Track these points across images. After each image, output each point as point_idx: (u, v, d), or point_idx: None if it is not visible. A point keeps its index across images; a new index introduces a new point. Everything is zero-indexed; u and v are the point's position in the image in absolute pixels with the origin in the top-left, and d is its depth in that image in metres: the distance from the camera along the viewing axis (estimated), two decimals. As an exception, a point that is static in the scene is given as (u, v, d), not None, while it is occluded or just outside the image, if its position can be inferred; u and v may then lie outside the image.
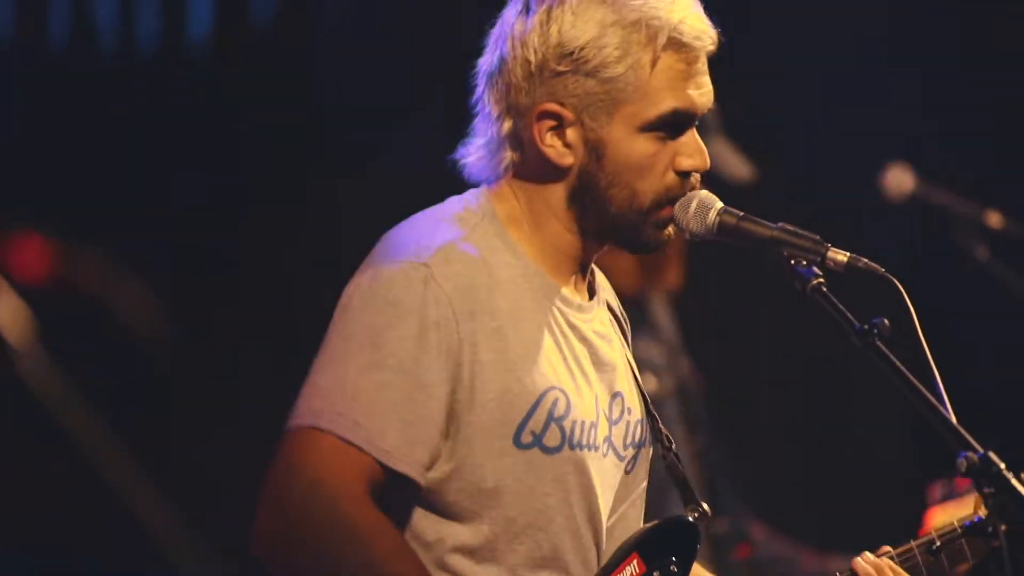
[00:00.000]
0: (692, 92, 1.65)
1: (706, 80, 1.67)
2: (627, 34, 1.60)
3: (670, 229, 1.69)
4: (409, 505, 1.57)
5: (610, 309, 1.82)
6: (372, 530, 1.48)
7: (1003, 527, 1.49)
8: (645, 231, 1.67)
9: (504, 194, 1.69)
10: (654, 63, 1.61)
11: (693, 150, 1.67)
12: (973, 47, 4.51)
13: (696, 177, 1.68)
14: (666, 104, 1.62)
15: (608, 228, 1.68)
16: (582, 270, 1.73)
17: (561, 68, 1.61)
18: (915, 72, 4.53)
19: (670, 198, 1.67)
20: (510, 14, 1.67)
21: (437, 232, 1.62)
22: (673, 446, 1.83)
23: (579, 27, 1.60)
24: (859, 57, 4.53)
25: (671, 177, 1.66)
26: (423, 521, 1.57)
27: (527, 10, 1.64)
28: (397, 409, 1.51)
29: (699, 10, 1.66)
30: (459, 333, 1.55)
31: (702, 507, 1.79)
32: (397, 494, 1.54)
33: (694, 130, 1.68)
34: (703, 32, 1.64)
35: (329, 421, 1.50)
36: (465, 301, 1.56)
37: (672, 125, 1.64)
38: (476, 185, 1.72)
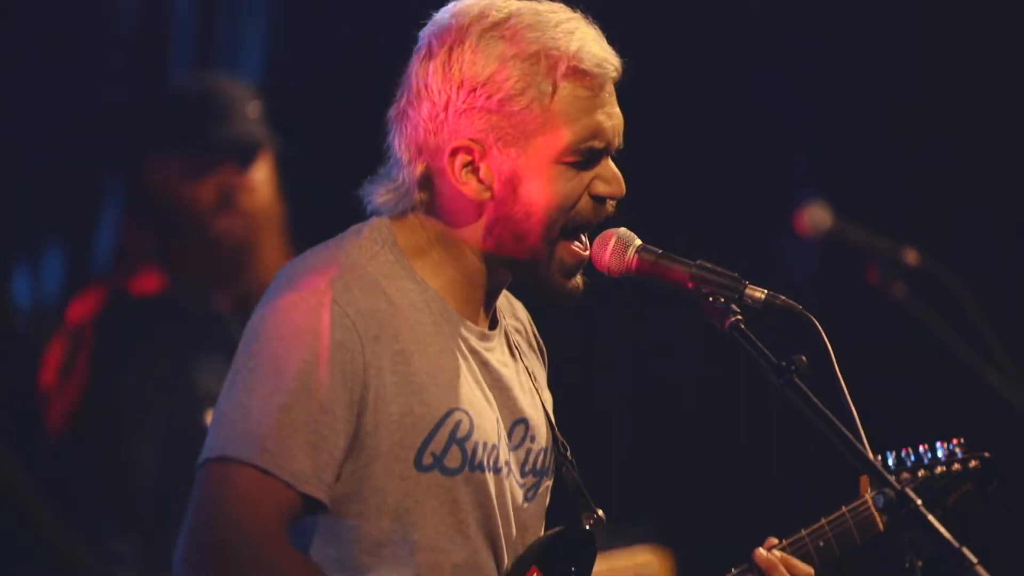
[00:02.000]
0: (600, 118, 1.65)
1: (614, 107, 1.68)
2: (527, 66, 1.61)
3: (578, 279, 1.70)
4: (313, 527, 1.57)
5: (511, 338, 1.82)
6: (290, 568, 1.51)
7: (920, 563, 1.50)
8: (558, 264, 1.67)
9: (409, 225, 1.69)
10: (556, 93, 1.62)
11: (609, 176, 1.68)
12: (897, 87, 4.61)
13: (611, 204, 1.69)
14: (574, 133, 1.63)
15: (523, 258, 1.67)
16: (488, 300, 1.74)
17: (466, 105, 1.62)
18: (834, 109, 4.62)
19: (584, 223, 1.67)
20: (414, 59, 1.68)
21: (335, 262, 1.62)
22: (568, 453, 1.83)
23: (480, 63, 1.61)
24: (775, 92, 4.60)
25: (585, 202, 1.67)
26: (326, 542, 1.58)
27: (429, 53, 1.65)
28: (303, 432, 1.51)
29: (600, 38, 1.67)
30: (364, 356, 1.56)
31: (597, 514, 1.78)
32: (304, 517, 1.55)
33: (608, 158, 1.69)
34: (604, 60, 1.65)
35: (238, 450, 1.50)
36: (369, 325, 1.57)
37: (585, 153, 1.65)
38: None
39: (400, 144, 1.67)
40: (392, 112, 1.70)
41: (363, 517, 1.57)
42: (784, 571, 1.75)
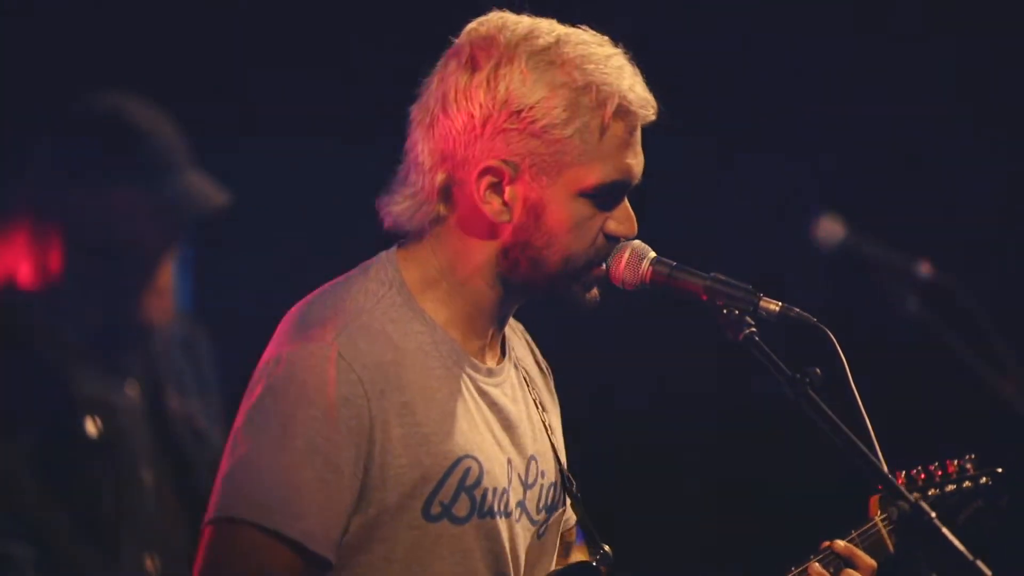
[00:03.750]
0: (631, 160, 1.65)
1: (639, 148, 1.67)
2: (576, 97, 1.59)
3: (595, 290, 1.69)
4: (321, 572, 1.54)
5: (522, 366, 1.81)
6: None
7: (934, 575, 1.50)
8: (574, 291, 1.67)
9: (418, 256, 1.67)
10: (603, 129, 1.61)
11: (624, 216, 1.68)
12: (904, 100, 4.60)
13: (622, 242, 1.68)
14: (608, 172, 1.62)
15: (538, 286, 1.67)
16: (498, 326, 1.73)
17: (507, 125, 1.59)
18: (844, 121, 4.60)
19: (599, 260, 1.67)
20: (452, 66, 1.64)
21: (341, 309, 1.60)
22: (574, 487, 1.81)
23: (529, 86, 1.59)
24: (793, 105, 4.59)
25: (601, 241, 1.66)
26: None
27: (473, 65, 1.61)
28: (311, 491, 1.50)
29: (641, 78, 1.66)
30: (371, 411, 1.54)
31: (604, 549, 1.78)
32: (310, 571, 1.52)
33: (626, 198, 1.68)
34: (648, 102, 1.64)
35: (246, 510, 1.49)
36: (375, 379, 1.55)
37: (610, 192, 1.64)
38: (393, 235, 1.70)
39: (424, 149, 1.64)
40: (416, 114, 1.67)
41: (371, 567, 1.56)
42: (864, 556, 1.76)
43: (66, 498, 2.90)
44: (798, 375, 1.52)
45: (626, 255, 1.67)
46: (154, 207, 3.13)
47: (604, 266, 1.68)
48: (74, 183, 3.12)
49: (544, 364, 1.89)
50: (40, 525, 3.12)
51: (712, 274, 1.64)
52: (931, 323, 3.66)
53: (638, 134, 1.66)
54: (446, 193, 1.64)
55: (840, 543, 1.77)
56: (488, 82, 1.60)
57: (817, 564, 1.75)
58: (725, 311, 1.61)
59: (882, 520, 1.78)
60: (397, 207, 1.66)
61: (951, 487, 1.87)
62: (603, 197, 1.64)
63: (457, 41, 1.67)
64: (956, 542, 1.40)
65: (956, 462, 1.88)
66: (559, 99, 1.59)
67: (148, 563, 2.95)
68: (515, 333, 1.84)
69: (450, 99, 1.62)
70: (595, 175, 1.61)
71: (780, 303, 1.61)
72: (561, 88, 1.59)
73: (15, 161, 3.22)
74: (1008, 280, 4.36)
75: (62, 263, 3.19)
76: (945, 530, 1.41)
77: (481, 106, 1.60)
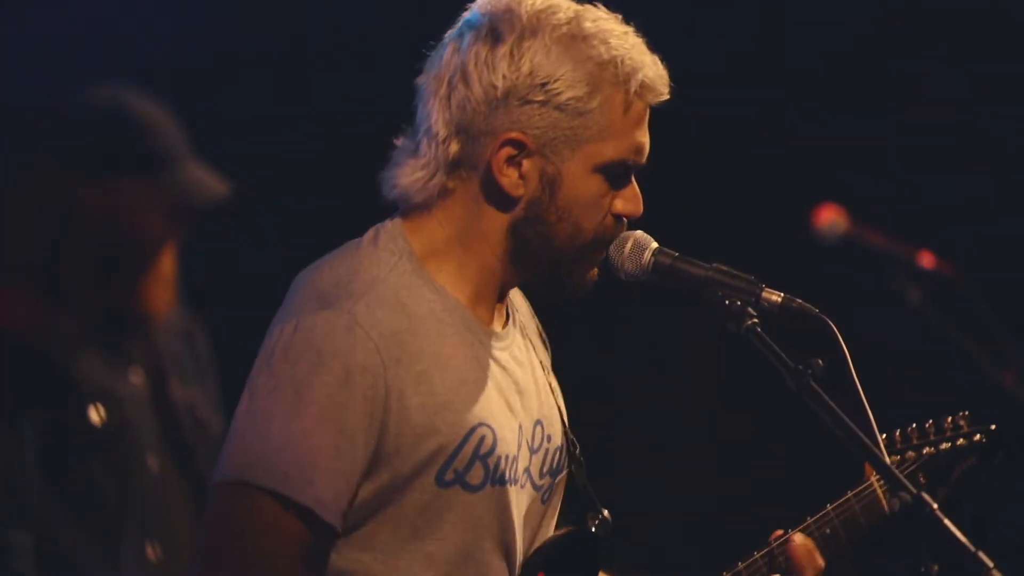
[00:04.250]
0: (643, 139, 1.65)
1: (646, 127, 1.67)
2: (600, 71, 1.59)
3: (595, 271, 1.69)
4: (327, 541, 1.54)
5: (524, 331, 1.81)
6: None
7: (935, 567, 1.50)
8: (577, 270, 1.67)
9: (426, 227, 1.65)
10: (626, 105, 1.61)
11: (632, 195, 1.68)
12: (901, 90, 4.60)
13: (625, 223, 1.68)
14: (624, 148, 1.62)
15: (544, 262, 1.66)
16: (501, 296, 1.72)
17: (531, 97, 1.58)
18: (848, 112, 4.60)
19: (607, 240, 1.67)
20: (471, 37, 1.62)
21: (356, 277, 1.59)
22: (578, 451, 1.82)
23: (553, 60, 1.58)
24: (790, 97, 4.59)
25: (610, 220, 1.66)
26: (339, 553, 1.55)
27: (495, 37, 1.60)
28: (324, 458, 1.49)
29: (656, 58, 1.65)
30: (387, 380, 1.53)
31: (603, 514, 1.78)
32: (318, 539, 1.52)
33: (633, 178, 1.68)
34: (665, 80, 1.64)
35: (258, 475, 1.48)
36: (391, 347, 1.54)
37: (623, 168, 1.64)
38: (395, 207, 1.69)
39: (439, 119, 1.62)
40: (430, 84, 1.65)
41: (379, 529, 1.56)
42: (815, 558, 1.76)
43: (68, 486, 2.90)
44: (800, 366, 1.52)
45: (628, 245, 1.67)
46: (157, 198, 3.13)
47: (605, 254, 1.68)
48: (78, 175, 3.12)
49: (541, 329, 1.88)
50: (41, 513, 3.13)
51: (714, 264, 1.64)
52: (932, 315, 3.66)
53: (648, 113, 1.66)
54: (459, 164, 1.62)
55: (798, 538, 1.78)
56: (512, 54, 1.58)
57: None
58: (727, 302, 1.61)
59: (878, 481, 1.78)
60: (407, 178, 1.64)
61: (945, 444, 1.87)
62: (616, 174, 1.64)
63: (472, 12, 1.66)
64: (958, 533, 1.40)
65: (950, 419, 1.88)
66: (583, 73, 1.58)
67: (149, 551, 2.95)
68: (517, 294, 1.83)
69: (470, 69, 1.60)
70: (612, 151, 1.61)
71: (782, 294, 1.61)
72: (586, 62, 1.59)
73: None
74: (1008, 272, 4.36)
75: (66, 253, 3.19)
76: (947, 521, 1.41)
77: (504, 77, 1.58)
